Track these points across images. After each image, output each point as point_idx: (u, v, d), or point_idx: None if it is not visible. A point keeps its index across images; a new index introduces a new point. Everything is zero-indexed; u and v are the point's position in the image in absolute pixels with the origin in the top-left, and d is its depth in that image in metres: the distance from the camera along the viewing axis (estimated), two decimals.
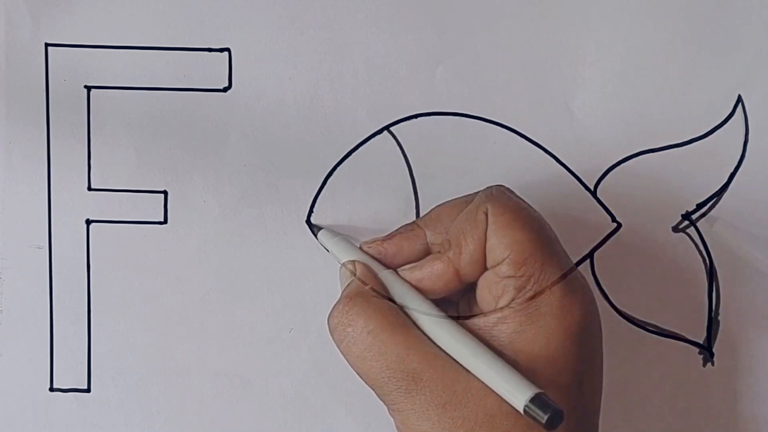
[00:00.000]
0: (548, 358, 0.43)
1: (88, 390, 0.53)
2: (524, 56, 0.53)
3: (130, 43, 0.52)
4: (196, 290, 0.53)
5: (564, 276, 0.44)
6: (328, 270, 0.53)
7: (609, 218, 0.53)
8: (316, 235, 0.52)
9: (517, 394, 0.41)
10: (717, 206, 0.53)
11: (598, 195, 0.53)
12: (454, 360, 0.43)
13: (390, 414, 0.45)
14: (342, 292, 0.47)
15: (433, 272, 0.46)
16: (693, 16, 0.52)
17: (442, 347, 0.44)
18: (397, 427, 0.45)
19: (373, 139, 0.53)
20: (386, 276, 0.48)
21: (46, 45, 0.52)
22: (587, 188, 0.53)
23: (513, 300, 0.44)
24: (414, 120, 0.53)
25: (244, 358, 0.53)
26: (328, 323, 0.46)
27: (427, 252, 0.48)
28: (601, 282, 0.53)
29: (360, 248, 0.49)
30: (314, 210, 0.53)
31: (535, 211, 0.46)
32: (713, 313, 0.54)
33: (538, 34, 0.52)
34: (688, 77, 0.53)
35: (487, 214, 0.45)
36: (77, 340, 0.53)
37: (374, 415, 0.53)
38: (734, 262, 0.53)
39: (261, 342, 0.53)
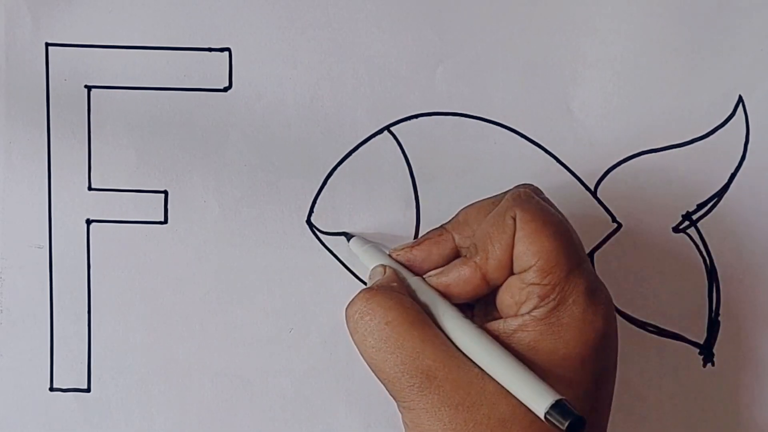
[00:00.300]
0: (566, 367, 0.43)
1: (88, 390, 0.53)
2: (524, 56, 0.53)
3: (130, 42, 0.52)
4: (196, 290, 0.53)
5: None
6: (328, 270, 0.53)
7: (609, 218, 0.53)
8: (320, 239, 0.53)
9: (539, 399, 0.40)
10: (717, 206, 0.53)
11: (599, 195, 0.53)
12: (471, 361, 0.43)
13: (399, 410, 0.45)
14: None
15: (460, 277, 0.46)
16: (693, 16, 0.52)
17: (462, 348, 0.44)
18: (405, 424, 0.44)
19: (373, 139, 0.53)
20: (414, 282, 0.47)
21: (47, 44, 0.52)
22: (587, 188, 0.53)
23: (535, 308, 0.43)
24: (414, 120, 0.53)
25: (244, 358, 0.53)
26: (346, 311, 0.46)
27: (455, 255, 0.48)
28: None
29: (389, 256, 0.49)
30: (314, 210, 0.53)
31: (562, 216, 0.46)
32: (713, 313, 0.54)
33: (538, 34, 0.52)
34: (688, 77, 0.53)
35: (515, 220, 0.44)
36: (77, 339, 0.53)
37: (374, 415, 0.53)
38: (734, 262, 0.53)
39: (261, 342, 0.53)
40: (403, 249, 0.49)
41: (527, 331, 0.43)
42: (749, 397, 0.54)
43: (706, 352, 0.54)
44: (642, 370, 0.53)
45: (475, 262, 0.45)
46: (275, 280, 0.53)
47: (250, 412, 0.53)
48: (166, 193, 0.53)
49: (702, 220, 0.53)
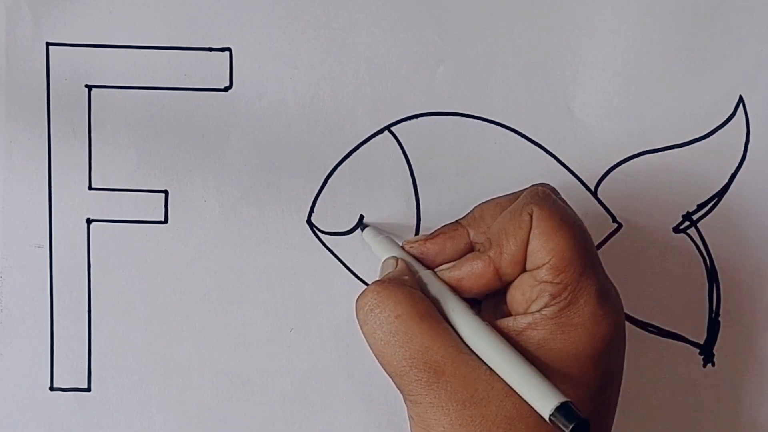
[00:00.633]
0: (574, 368, 0.43)
1: (88, 389, 0.53)
2: (525, 56, 0.53)
3: (131, 42, 0.52)
4: (196, 290, 0.53)
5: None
6: (328, 270, 0.53)
7: (609, 218, 0.53)
8: (317, 235, 0.53)
9: (544, 400, 0.40)
10: (718, 207, 0.53)
11: (599, 195, 0.53)
12: (479, 359, 0.43)
13: (405, 404, 0.45)
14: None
15: (473, 271, 0.46)
16: (693, 17, 0.52)
17: (471, 345, 0.44)
18: (411, 417, 0.44)
19: (373, 139, 0.53)
20: (425, 275, 0.47)
21: (47, 44, 0.52)
22: (588, 188, 0.53)
23: (546, 306, 0.43)
24: (414, 120, 0.53)
25: (244, 358, 0.53)
26: (356, 302, 0.46)
27: (468, 251, 0.48)
28: None
29: (402, 247, 0.49)
30: (315, 210, 0.53)
31: (579, 218, 0.46)
32: (713, 314, 0.54)
33: (539, 34, 0.52)
34: (689, 78, 0.53)
35: (531, 216, 0.44)
36: (77, 339, 0.53)
37: (374, 415, 0.53)
38: (734, 262, 0.53)
39: (261, 342, 0.53)
40: (416, 242, 0.49)
41: (537, 329, 0.43)
42: (749, 397, 0.54)
43: (706, 353, 0.54)
44: (642, 370, 0.53)
45: (489, 256, 0.45)
46: (275, 280, 0.53)
47: (250, 412, 0.53)
48: (166, 192, 0.53)
49: (702, 221, 0.53)
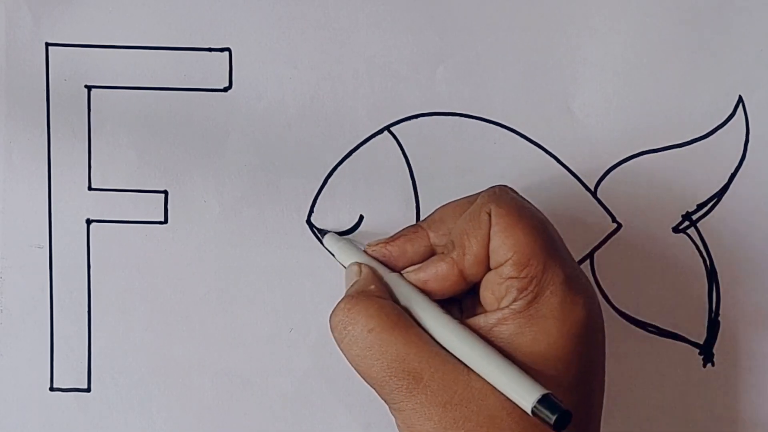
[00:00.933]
0: (549, 359, 0.43)
1: (88, 389, 0.53)
2: (524, 56, 0.53)
3: (130, 42, 0.52)
4: (196, 290, 0.53)
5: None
6: (328, 270, 0.53)
7: (609, 218, 0.53)
8: (319, 239, 0.52)
9: (525, 394, 0.41)
10: (717, 207, 0.53)
11: (599, 195, 0.53)
12: (456, 359, 0.43)
13: (391, 413, 0.45)
14: (345, 293, 0.47)
15: (438, 273, 0.46)
16: (693, 17, 0.52)
17: (446, 347, 0.44)
18: (399, 426, 0.45)
19: (373, 139, 0.53)
20: (392, 279, 0.47)
21: (47, 44, 0.52)
22: (587, 188, 0.53)
23: (515, 301, 0.44)
24: (414, 120, 0.53)
25: (244, 357, 0.53)
26: (329, 321, 0.46)
27: (430, 253, 0.48)
28: (601, 282, 0.53)
29: (365, 251, 0.49)
30: (315, 210, 0.53)
31: (538, 211, 0.46)
32: (713, 313, 0.54)
33: (538, 34, 0.52)
34: (688, 78, 0.53)
35: (490, 215, 0.45)
36: (77, 339, 0.53)
37: (374, 415, 0.53)
38: (734, 262, 0.53)
39: (261, 342, 0.53)
40: (377, 244, 0.49)
41: (507, 324, 0.44)
42: (749, 397, 0.54)
43: (706, 353, 0.54)
44: (642, 370, 0.53)
45: (452, 257, 0.46)
46: (275, 280, 0.53)
47: (250, 412, 0.53)
48: (166, 193, 0.53)
49: (702, 221, 0.53)
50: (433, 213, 0.49)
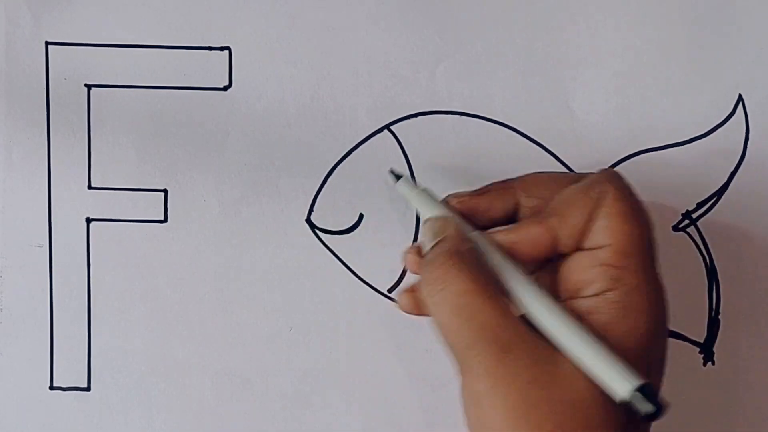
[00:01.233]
0: (636, 354, 0.42)
1: (88, 388, 0.53)
2: (524, 56, 0.53)
3: (130, 41, 0.52)
4: (196, 289, 0.53)
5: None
6: (328, 269, 0.53)
7: None
8: (317, 234, 0.52)
9: (623, 381, 0.40)
10: (717, 205, 0.53)
11: None
12: (544, 339, 0.42)
13: (464, 379, 0.42)
14: (436, 246, 0.45)
15: (529, 237, 0.44)
16: (693, 16, 0.52)
17: (539, 321, 0.42)
18: (465, 397, 0.42)
19: (373, 138, 0.53)
20: (476, 237, 0.45)
21: (47, 43, 0.52)
22: None
23: (609, 290, 0.42)
24: (414, 119, 0.53)
25: (244, 357, 0.53)
26: (422, 274, 0.44)
27: (515, 215, 0.46)
28: None
29: (446, 202, 0.47)
30: (314, 209, 0.53)
31: (646, 210, 0.44)
32: (713, 312, 0.54)
33: (538, 34, 0.52)
34: (688, 76, 0.53)
35: (604, 194, 0.43)
36: (77, 338, 0.53)
37: (374, 415, 0.53)
38: (734, 260, 0.53)
39: (261, 341, 0.53)
40: (464, 197, 0.47)
41: (601, 313, 0.42)
42: (749, 396, 0.54)
43: (706, 351, 0.54)
44: None
45: (549, 223, 0.44)
46: (275, 279, 0.53)
47: (250, 412, 0.53)
48: (166, 191, 0.53)
49: (702, 219, 0.53)
50: (524, 176, 0.47)
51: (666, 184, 0.53)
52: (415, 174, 0.53)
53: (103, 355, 0.53)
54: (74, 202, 0.53)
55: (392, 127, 0.53)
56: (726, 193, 0.53)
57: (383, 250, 0.52)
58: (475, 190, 0.47)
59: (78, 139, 0.52)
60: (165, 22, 0.52)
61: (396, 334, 0.53)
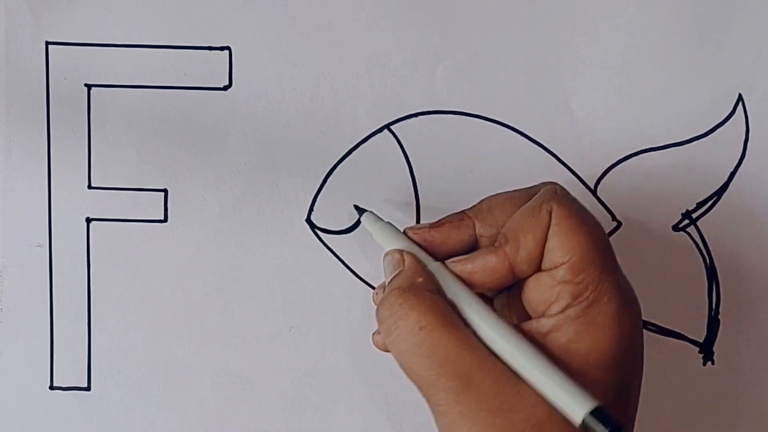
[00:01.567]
0: (601, 370, 0.42)
1: (88, 388, 0.53)
2: (524, 55, 0.53)
3: (130, 41, 0.52)
4: (196, 289, 0.53)
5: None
6: (328, 269, 0.53)
7: (609, 217, 0.53)
8: (317, 234, 0.53)
9: (576, 405, 0.40)
10: (717, 205, 0.53)
11: (598, 194, 0.53)
12: (505, 364, 0.42)
13: (432, 414, 0.43)
14: (391, 282, 0.45)
15: (486, 266, 0.44)
16: (693, 16, 0.52)
17: (496, 350, 0.42)
18: (438, 428, 0.43)
19: (373, 138, 0.53)
20: (435, 268, 0.45)
21: (47, 43, 0.52)
22: (587, 187, 0.53)
23: (569, 307, 0.42)
24: (414, 119, 0.53)
25: (244, 357, 0.53)
26: (377, 314, 0.44)
27: (474, 244, 0.46)
28: None
29: (405, 234, 0.47)
30: (314, 209, 0.53)
31: (595, 217, 0.45)
32: (713, 312, 0.54)
33: (538, 34, 0.53)
34: (688, 76, 0.53)
35: (551, 214, 0.43)
36: (77, 338, 0.53)
37: (374, 415, 0.53)
38: (734, 260, 0.53)
39: (261, 341, 0.53)
40: (420, 229, 0.47)
41: (561, 331, 0.42)
42: (749, 396, 0.54)
43: (706, 351, 0.54)
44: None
45: (504, 251, 0.44)
46: (275, 279, 0.53)
47: (250, 412, 0.53)
48: (166, 191, 0.53)
49: (702, 219, 0.53)
50: (480, 203, 0.47)
51: (666, 183, 0.53)
52: (415, 174, 0.53)
53: (103, 355, 0.53)
54: (74, 202, 0.53)
55: (392, 127, 0.53)
56: (726, 193, 0.53)
57: (383, 250, 0.52)
58: (433, 223, 0.47)
59: (78, 139, 0.52)
60: (165, 22, 0.52)
61: None
